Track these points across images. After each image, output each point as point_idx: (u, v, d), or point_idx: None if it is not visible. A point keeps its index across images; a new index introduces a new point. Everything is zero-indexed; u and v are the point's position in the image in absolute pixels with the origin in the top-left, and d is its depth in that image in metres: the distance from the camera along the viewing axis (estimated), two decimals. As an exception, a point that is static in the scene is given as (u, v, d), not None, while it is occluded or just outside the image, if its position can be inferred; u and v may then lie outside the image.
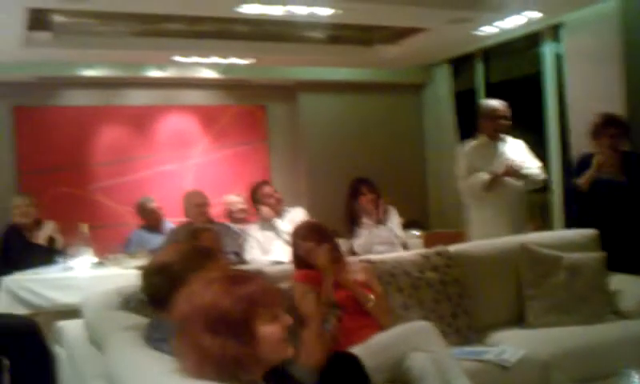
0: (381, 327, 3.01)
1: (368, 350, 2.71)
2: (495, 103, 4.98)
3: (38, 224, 5.26)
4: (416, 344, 2.70)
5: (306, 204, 6.21)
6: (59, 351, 3.14)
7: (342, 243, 5.18)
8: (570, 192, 4.57)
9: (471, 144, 5.11)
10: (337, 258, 3.22)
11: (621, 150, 4.47)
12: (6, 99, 6.69)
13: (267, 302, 1.63)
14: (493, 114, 4.94)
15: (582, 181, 4.43)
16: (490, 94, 6.99)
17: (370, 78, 7.96)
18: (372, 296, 3.14)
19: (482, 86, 7.26)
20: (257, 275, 1.75)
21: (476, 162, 4.95)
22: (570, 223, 4.37)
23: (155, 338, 1.98)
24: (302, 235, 3.28)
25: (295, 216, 4.85)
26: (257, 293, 1.62)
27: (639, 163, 4.46)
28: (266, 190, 5.19)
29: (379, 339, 2.83)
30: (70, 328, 2.99)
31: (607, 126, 4.49)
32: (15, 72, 6.44)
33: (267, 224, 5.03)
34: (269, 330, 1.62)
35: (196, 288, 1.67)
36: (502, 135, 4.97)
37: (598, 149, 4.51)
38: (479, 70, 7.28)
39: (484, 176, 4.86)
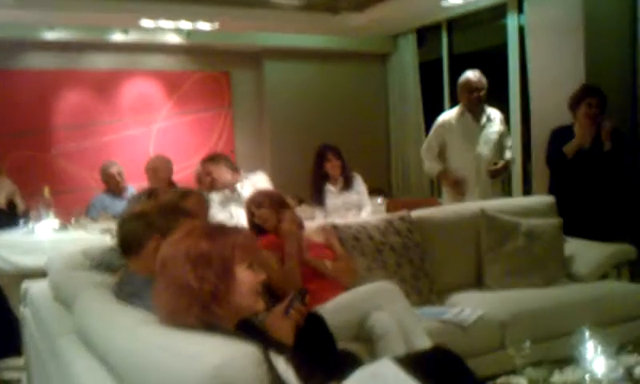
0: (343, 287, 3.08)
1: (332, 309, 2.77)
2: (469, 75, 4.97)
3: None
4: (379, 303, 2.78)
5: (269, 171, 6.23)
6: (24, 311, 3.14)
7: (307, 209, 5.27)
8: (552, 162, 4.60)
9: (445, 114, 5.19)
10: (297, 224, 3.27)
11: (598, 122, 4.42)
12: (-35, 61, 6.52)
13: (246, 249, 1.69)
14: (466, 86, 4.96)
15: (568, 148, 4.42)
16: (455, 65, 7.09)
17: (336, 47, 7.98)
18: (328, 261, 3.21)
19: (446, 56, 7.33)
20: (238, 228, 1.80)
21: (447, 135, 5.05)
22: (552, 193, 4.43)
23: (126, 292, 2.01)
24: (257, 202, 3.34)
25: (257, 181, 4.83)
26: (237, 240, 1.68)
27: (617, 134, 4.49)
28: (204, 168, 5.07)
29: (342, 299, 2.89)
30: (36, 289, 2.99)
31: (586, 95, 4.48)
32: (-26, 33, 6.28)
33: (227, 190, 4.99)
34: (245, 275, 1.69)
35: (179, 233, 1.72)
36: (479, 107, 5.00)
37: (576, 120, 4.51)
38: (444, 40, 7.34)
39: (435, 169, 5.11)
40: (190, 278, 1.62)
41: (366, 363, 2.13)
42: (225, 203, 4.70)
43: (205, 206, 3.84)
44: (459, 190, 5.01)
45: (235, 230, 1.76)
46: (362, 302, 2.82)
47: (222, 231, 1.72)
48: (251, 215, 3.37)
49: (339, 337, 2.61)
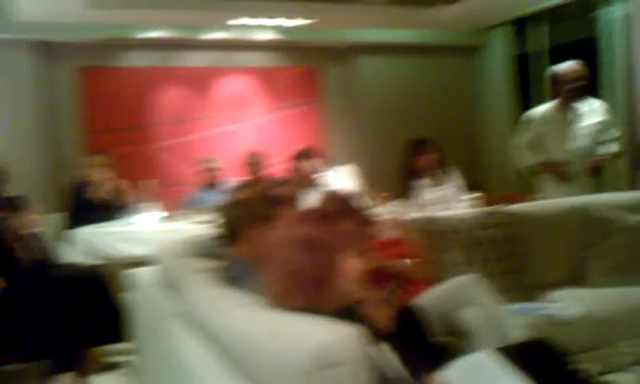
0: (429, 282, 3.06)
1: (424, 304, 2.76)
2: (565, 66, 4.78)
3: (106, 181, 5.40)
4: (467, 298, 2.75)
5: (361, 165, 6.26)
6: (132, 297, 3.30)
7: (400, 204, 5.25)
8: None
9: (539, 110, 5.03)
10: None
11: None
12: (72, 60, 6.91)
13: (357, 237, 1.71)
14: (562, 77, 4.76)
15: None
16: (550, 59, 6.87)
17: (426, 41, 7.93)
18: (406, 261, 3.17)
19: (545, 49, 7.12)
20: (351, 214, 1.82)
21: (541, 128, 4.89)
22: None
23: (230, 277, 2.08)
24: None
25: (346, 175, 4.87)
26: (349, 227, 1.71)
27: None
28: (296, 163, 5.10)
29: (431, 294, 2.88)
30: (144, 275, 3.13)
31: None
32: (80, 34, 6.64)
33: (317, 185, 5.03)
34: (352, 263, 1.69)
35: (290, 218, 1.77)
36: (577, 99, 4.80)
37: None
38: (539, 32, 7.13)
39: (533, 161, 4.90)
40: (297, 262, 1.64)
41: (459, 356, 2.14)
42: (313, 197, 4.77)
43: (296, 194, 3.92)
44: (564, 176, 4.78)
45: (348, 217, 1.78)
46: (451, 298, 2.80)
47: (334, 218, 1.74)
48: None
49: (434, 330, 2.61)
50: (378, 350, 1.61)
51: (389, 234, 3.31)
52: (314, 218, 1.73)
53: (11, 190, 4.75)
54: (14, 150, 6.28)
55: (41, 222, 4.60)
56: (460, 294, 2.79)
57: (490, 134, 8.06)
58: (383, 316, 2.20)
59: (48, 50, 6.80)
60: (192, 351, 1.87)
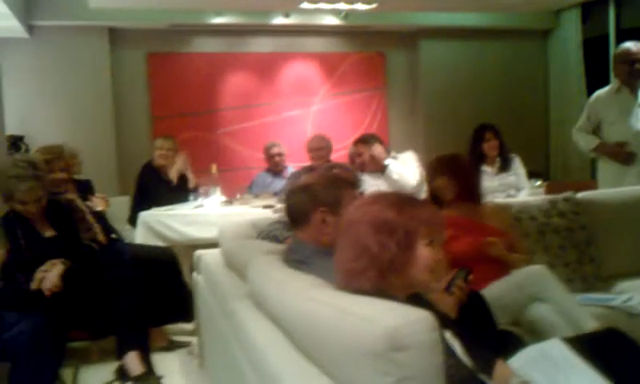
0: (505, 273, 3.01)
1: (490, 294, 2.70)
2: (630, 44, 4.59)
3: (173, 165, 5.50)
4: (536, 292, 2.70)
5: (423, 151, 6.19)
6: (197, 278, 3.37)
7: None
8: None
9: (602, 91, 4.86)
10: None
11: None
12: (140, 46, 7.09)
13: (431, 225, 1.70)
14: (627, 56, 4.56)
15: None
16: (616, 43, 6.63)
17: (493, 24, 7.76)
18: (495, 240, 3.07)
19: (613, 32, 6.87)
20: (426, 201, 1.82)
21: (601, 111, 4.71)
22: None
23: (294, 260, 2.10)
24: (432, 172, 3.19)
25: (406, 161, 4.82)
26: (423, 214, 1.70)
27: None
28: (356, 148, 5.05)
29: (499, 286, 2.83)
30: (208, 257, 3.20)
31: None
32: (149, 20, 6.79)
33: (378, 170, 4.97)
34: (425, 251, 1.69)
35: (367, 199, 1.78)
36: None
37: None
38: (611, 15, 6.89)
39: (592, 142, 4.73)
40: (371, 243, 1.65)
41: (526, 345, 2.10)
42: (376, 184, 4.75)
43: (361, 180, 3.90)
44: (626, 159, 4.59)
45: (424, 205, 1.77)
46: (519, 288, 2.75)
47: (410, 203, 1.74)
48: (431, 181, 3.23)
49: (499, 320, 2.57)
50: (445, 337, 1.60)
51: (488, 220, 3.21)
52: (389, 202, 1.72)
53: (83, 174, 4.91)
54: (87, 135, 6.50)
55: (109, 204, 4.74)
56: (529, 285, 2.73)
57: (557, 119, 7.86)
58: (450, 302, 2.19)
59: (118, 37, 6.99)
60: (256, 332, 1.90)
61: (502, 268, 3.02)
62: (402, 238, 1.66)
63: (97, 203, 4.43)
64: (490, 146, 4.92)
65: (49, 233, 3.35)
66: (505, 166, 4.96)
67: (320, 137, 5.54)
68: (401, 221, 1.67)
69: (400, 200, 1.74)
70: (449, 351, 1.58)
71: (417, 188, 4.53)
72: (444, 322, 1.73)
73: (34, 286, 3.13)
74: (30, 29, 6.56)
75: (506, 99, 7.85)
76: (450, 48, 7.86)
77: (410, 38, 7.87)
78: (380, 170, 4.70)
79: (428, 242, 1.70)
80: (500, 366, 1.83)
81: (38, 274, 3.14)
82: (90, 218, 3.58)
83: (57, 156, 4.30)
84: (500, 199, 4.34)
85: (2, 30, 4.81)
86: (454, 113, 7.56)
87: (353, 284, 1.64)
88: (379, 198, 1.76)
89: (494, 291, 2.76)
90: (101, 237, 3.57)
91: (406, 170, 4.67)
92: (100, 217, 4.13)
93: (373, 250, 1.65)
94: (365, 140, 4.90)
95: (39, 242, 3.28)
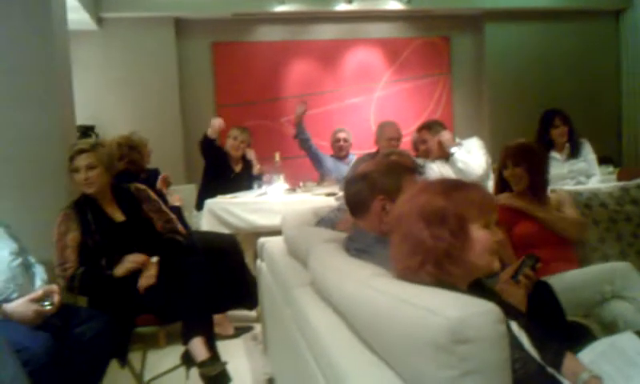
0: (576, 261, 2.92)
1: (564, 285, 2.63)
2: None
3: (238, 153, 5.56)
4: (618, 289, 2.60)
5: (488, 137, 6.07)
6: (260, 265, 3.40)
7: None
8: None
9: None
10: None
11: None
12: (205, 36, 7.19)
13: (483, 207, 1.64)
14: None
15: None
16: None
17: (562, 5, 7.51)
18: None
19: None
20: (475, 184, 1.75)
21: None
22: None
23: (355, 249, 2.08)
24: (515, 159, 3.08)
25: (471, 147, 4.71)
26: (474, 197, 1.64)
27: None
28: (420, 135, 4.96)
29: (575, 276, 2.75)
30: (271, 244, 3.22)
31: None
32: (213, 9, 6.88)
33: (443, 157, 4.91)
34: (481, 235, 1.63)
35: (414, 190, 1.73)
36: None
37: None
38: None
39: None
40: (424, 236, 1.60)
41: (599, 338, 2.02)
42: (441, 171, 4.67)
43: (424, 167, 3.82)
44: None
45: (472, 187, 1.70)
46: (596, 284, 2.65)
47: (459, 188, 1.67)
48: (503, 168, 3.15)
49: (569, 312, 2.49)
50: (510, 328, 1.55)
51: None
52: (438, 189, 1.66)
53: (152, 163, 5.02)
54: (154, 123, 6.65)
55: (176, 193, 4.83)
56: (613, 282, 2.63)
57: (630, 103, 7.55)
58: (517, 292, 2.13)
59: (183, 27, 7.11)
60: (317, 320, 1.90)
61: (566, 251, 2.93)
62: (454, 225, 1.60)
63: (174, 199, 4.53)
64: (558, 132, 4.78)
65: (119, 218, 3.44)
66: (574, 152, 4.82)
67: (396, 125, 5.38)
68: (450, 207, 1.61)
69: (447, 186, 1.68)
70: (515, 344, 1.53)
71: (483, 176, 4.44)
72: (510, 313, 1.68)
73: (119, 272, 3.23)
74: (99, 21, 6.74)
75: (576, 83, 7.59)
76: (517, 31, 7.64)
77: (475, 22, 7.70)
78: (445, 157, 4.62)
79: (483, 225, 1.64)
80: (569, 360, 1.77)
81: (128, 264, 3.25)
82: (166, 209, 3.66)
83: (129, 144, 4.44)
84: (569, 186, 4.21)
85: (72, 22, 4.96)
86: (521, 98, 7.36)
87: (411, 279, 1.59)
88: (425, 187, 1.70)
89: (566, 281, 2.68)
90: (181, 228, 3.65)
91: (472, 157, 4.57)
92: (177, 211, 4.23)
93: (427, 243, 1.59)
94: (429, 126, 4.83)
95: (109, 226, 3.37)
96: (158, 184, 4.57)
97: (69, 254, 3.23)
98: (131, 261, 3.27)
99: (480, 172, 4.49)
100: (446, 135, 4.65)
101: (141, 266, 3.28)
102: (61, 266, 3.23)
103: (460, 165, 4.53)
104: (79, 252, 3.26)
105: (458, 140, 4.74)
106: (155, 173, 4.87)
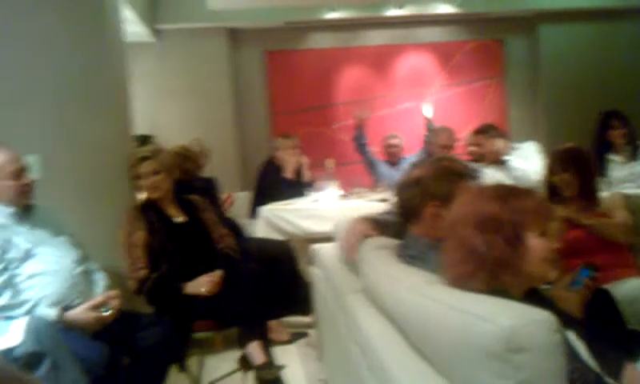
0: (637, 268, 2.85)
1: (622, 291, 2.57)
2: None
3: (292, 161, 5.62)
4: None
5: (544, 141, 5.94)
6: (314, 272, 3.42)
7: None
8: None
9: None
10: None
11: None
12: (258, 44, 7.29)
13: (539, 215, 1.61)
14: None
15: None
16: None
17: (620, 4, 7.31)
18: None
19: None
20: (530, 190, 1.72)
21: None
22: None
23: (408, 255, 2.08)
24: (564, 164, 3.06)
25: (527, 152, 4.64)
26: (530, 204, 1.61)
27: None
28: (474, 139, 4.88)
29: (631, 286, 2.68)
30: (325, 251, 3.24)
31: None
32: (266, 19, 6.96)
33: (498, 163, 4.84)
34: (537, 243, 1.60)
35: (468, 196, 1.71)
36: None
37: None
38: None
39: None
40: (477, 243, 1.57)
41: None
42: (495, 176, 4.61)
43: (478, 173, 3.77)
44: None
45: (528, 194, 1.67)
46: None
47: (514, 194, 1.64)
48: (552, 174, 3.13)
49: (630, 321, 2.43)
50: (567, 337, 1.53)
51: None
52: (492, 195, 1.64)
53: (208, 171, 5.13)
54: (210, 132, 6.77)
55: (233, 202, 4.92)
56: None
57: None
58: (574, 300, 2.09)
59: (236, 36, 7.22)
60: (370, 327, 1.90)
61: (623, 256, 2.86)
62: (509, 233, 1.57)
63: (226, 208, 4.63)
64: (617, 134, 4.66)
65: (181, 219, 3.55)
66: (634, 155, 4.68)
67: (450, 131, 5.28)
68: (505, 214, 1.58)
69: (502, 192, 1.65)
70: (572, 353, 1.51)
71: (539, 183, 4.35)
72: (567, 321, 1.64)
73: (189, 291, 3.31)
74: (156, 33, 6.91)
75: (634, 83, 7.37)
76: (573, 32, 7.48)
77: (529, 24, 7.57)
78: (499, 162, 4.57)
79: (539, 233, 1.61)
80: (630, 371, 1.72)
81: (201, 289, 3.31)
82: (220, 226, 3.74)
83: (184, 154, 4.55)
84: (630, 189, 4.10)
85: (130, 35, 5.10)
86: (578, 101, 7.20)
87: (464, 287, 1.57)
88: (479, 193, 1.68)
89: (628, 289, 2.61)
90: (233, 243, 3.72)
91: (528, 164, 4.51)
92: (232, 222, 4.32)
93: (480, 250, 1.57)
94: (484, 130, 4.78)
95: (172, 227, 3.48)
96: (225, 204, 4.65)
97: (138, 254, 3.33)
98: (206, 290, 3.31)
99: (536, 178, 4.42)
100: (499, 143, 4.60)
101: (210, 294, 3.33)
102: (132, 267, 3.33)
103: (516, 171, 4.47)
104: (147, 253, 3.36)
105: (513, 145, 4.68)
106: (211, 182, 4.96)
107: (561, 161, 3.06)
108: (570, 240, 2.92)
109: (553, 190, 3.09)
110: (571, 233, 2.93)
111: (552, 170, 3.11)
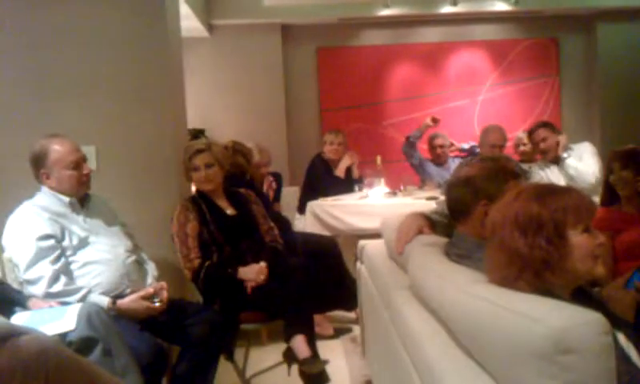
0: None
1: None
2: None
3: (341, 157, 5.63)
4: None
5: (599, 142, 5.82)
6: (360, 268, 3.43)
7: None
8: None
9: None
10: None
11: None
12: (310, 41, 7.32)
13: (580, 211, 1.59)
14: None
15: None
16: None
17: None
18: None
19: None
20: (570, 188, 1.70)
21: None
22: None
23: (455, 254, 2.07)
24: (623, 162, 3.02)
25: (582, 152, 4.54)
26: (570, 201, 1.59)
27: None
28: (533, 137, 4.78)
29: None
30: (371, 247, 3.25)
31: None
32: (319, 15, 6.99)
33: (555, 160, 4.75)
34: (580, 239, 1.58)
35: (508, 197, 1.69)
36: None
37: None
38: None
39: None
40: (519, 245, 1.56)
41: None
42: (548, 176, 4.54)
43: (530, 172, 3.71)
44: None
45: (567, 191, 1.64)
46: None
47: (553, 193, 1.62)
48: (610, 173, 3.10)
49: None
50: (617, 340, 1.50)
51: None
52: (532, 196, 1.62)
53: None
54: (261, 127, 6.85)
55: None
56: None
57: None
58: (627, 302, 2.04)
59: (290, 32, 7.27)
60: (416, 324, 1.91)
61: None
62: (551, 232, 1.55)
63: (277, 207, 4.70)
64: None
65: (231, 212, 3.63)
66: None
67: (500, 130, 5.22)
68: (546, 214, 1.56)
69: (540, 191, 1.63)
70: (622, 356, 1.48)
71: (595, 185, 4.24)
72: (618, 323, 1.62)
73: (243, 275, 3.41)
74: (210, 28, 7.00)
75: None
76: (631, 31, 7.27)
77: (585, 22, 7.40)
78: (557, 159, 4.49)
79: (582, 229, 1.58)
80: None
81: (255, 277, 3.40)
82: (268, 219, 3.80)
83: (235, 148, 4.62)
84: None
85: (185, 30, 5.19)
86: (636, 101, 7.00)
87: (510, 288, 1.55)
88: (518, 193, 1.66)
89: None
90: (279, 237, 3.77)
91: (583, 164, 4.42)
92: (276, 215, 4.38)
93: (523, 252, 1.55)
94: (548, 125, 4.69)
95: (223, 218, 3.56)
96: (265, 187, 4.73)
97: (192, 244, 3.42)
98: (260, 279, 3.39)
99: (592, 180, 4.33)
100: (563, 138, 4.53)
101: (258, 284, 3.40)
102: (186, 257, 3.41)
103: (571, 171, 4.39)
104: (198, 243, 3.44)
105: (569, 145, 4.59)
106: (278, 176, 5.11)
107: (620, 158, 3.03)
108: (625, 242, 2.86)
109: (610, 191, 3.04)
110: (626, 235, 2.87)
111: (610, 168, 3.08)
